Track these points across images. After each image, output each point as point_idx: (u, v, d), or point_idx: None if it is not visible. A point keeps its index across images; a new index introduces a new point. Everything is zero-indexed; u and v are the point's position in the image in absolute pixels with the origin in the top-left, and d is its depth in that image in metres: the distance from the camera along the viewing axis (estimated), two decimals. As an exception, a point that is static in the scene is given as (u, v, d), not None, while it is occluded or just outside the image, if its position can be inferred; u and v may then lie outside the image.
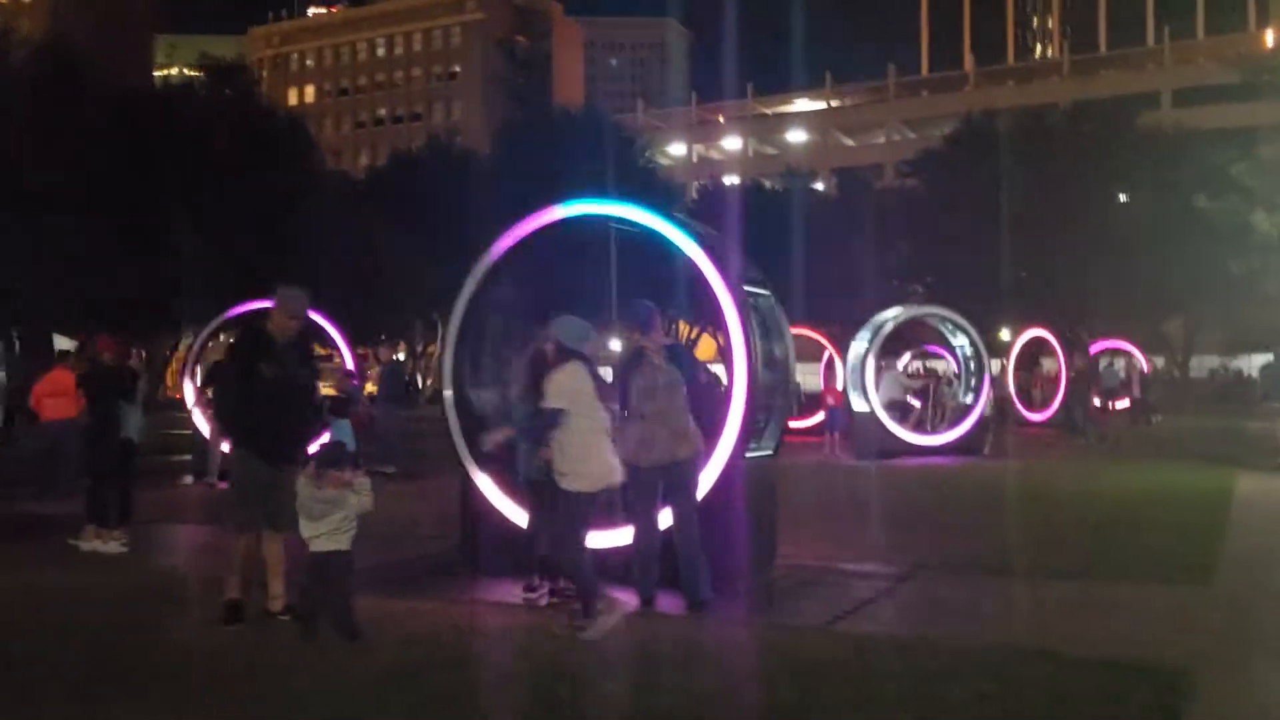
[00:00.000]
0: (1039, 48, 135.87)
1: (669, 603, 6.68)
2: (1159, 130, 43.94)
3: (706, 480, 6.98)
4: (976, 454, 17.77)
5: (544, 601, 6.87)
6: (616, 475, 6.14)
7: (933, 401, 18.91)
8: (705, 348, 51.50)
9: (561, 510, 6.12)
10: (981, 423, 18.32)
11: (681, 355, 6.92)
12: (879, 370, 18.21)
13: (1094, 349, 36.35)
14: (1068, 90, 64.34)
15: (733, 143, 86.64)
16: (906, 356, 28.39)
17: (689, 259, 7.16)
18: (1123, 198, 41.22)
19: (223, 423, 6.50)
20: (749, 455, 7.33)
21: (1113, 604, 6.88)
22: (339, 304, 24.73)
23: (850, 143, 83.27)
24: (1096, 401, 33.67)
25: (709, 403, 7.15)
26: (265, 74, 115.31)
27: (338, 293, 27.17)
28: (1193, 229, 31.00)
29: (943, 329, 19.84)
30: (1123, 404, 34.76)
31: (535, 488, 7.06)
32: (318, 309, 18.54)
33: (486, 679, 5.35)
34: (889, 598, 7.04)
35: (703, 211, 44.54)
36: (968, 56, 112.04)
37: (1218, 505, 11.34)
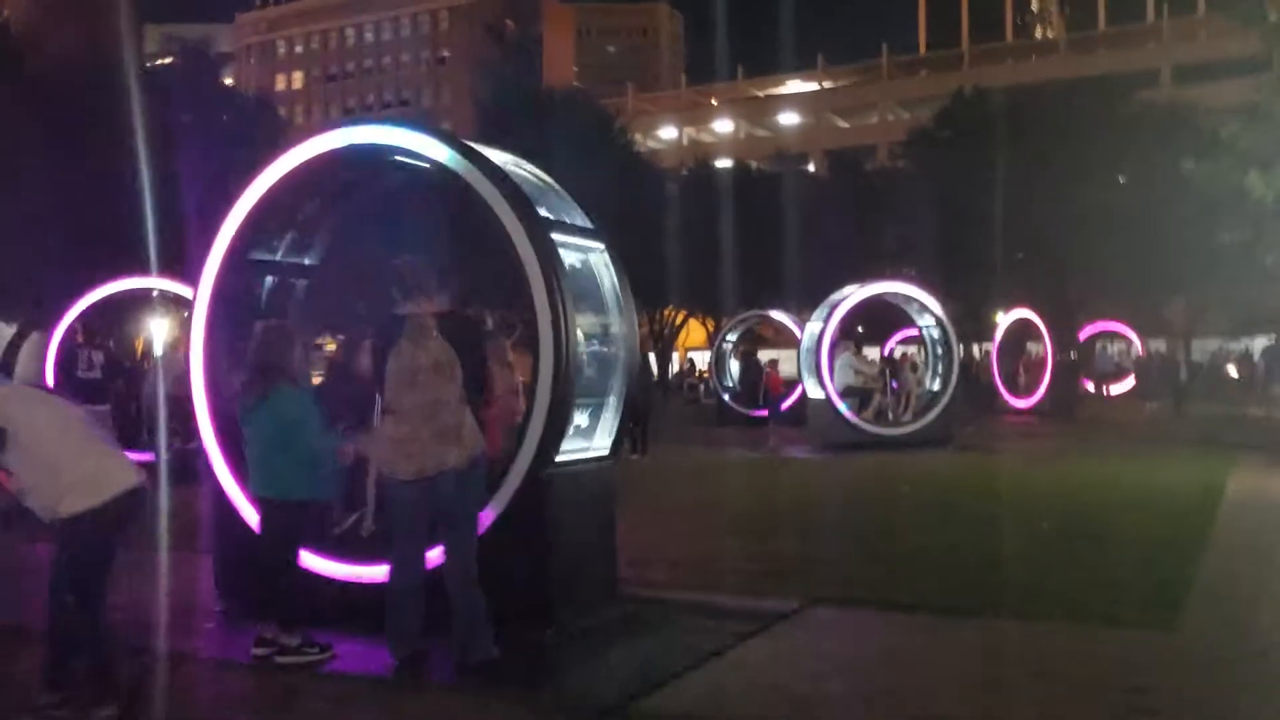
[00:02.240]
0: (1038, 28, 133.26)
1: (437, 664, 4.92)
2: (1155, 103, 42.07)
3: (499, 497, 5.23)
4: (943, 445, 15.90)
5: (281, 659, 5.10)
6: (122, 481, 4.25)
7: (886, 388, 17.03)
8: (695, 334, 50.03)
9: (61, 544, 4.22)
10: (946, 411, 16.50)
11: (466, 328, 5.12)
12: (833, 353, 16.34)
13: (1088, 332, 34.71)
14: (1065, 68, 62.25)
15: (724, 125, 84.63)
16: (892, 341, 26.62)
17: (481, 198, 5.37)
18: (1120, 177, 39.40)
19: None
20: (570, 460, 5.56)
21: (1039, 661, 5.09)
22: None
23: (843, 124, 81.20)
24: (1091, 386, 32.08)
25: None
26: (253, 61, 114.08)
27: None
28: (1189, 202, 29.15)
29: (907, 309, 17.94)
30: (1118, 388, 33.05)
31: (269, 507, 5.30)
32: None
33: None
34: (743, 652, 5.25)
35: (691, 194, 42.88)
36: (965, 37, 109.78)
37: (1201, 511, 9.50)
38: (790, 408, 19.71)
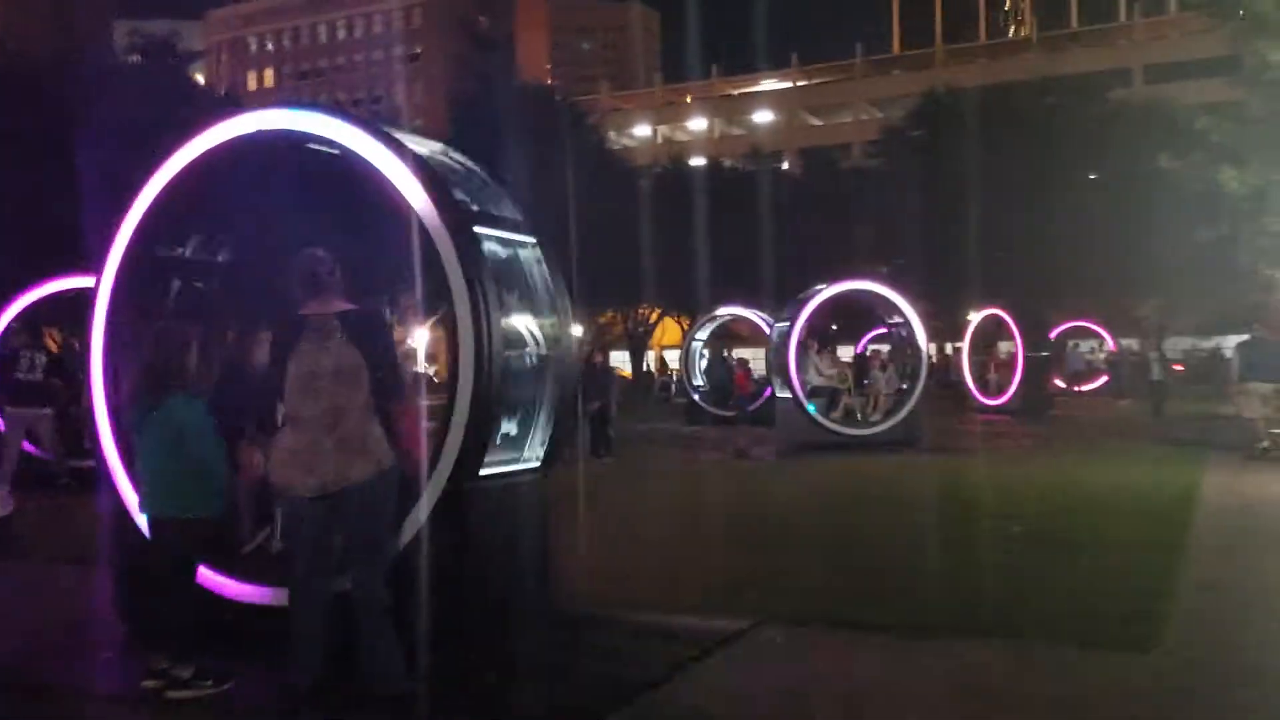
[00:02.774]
0: (1012, 29, 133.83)
1: (345, 696, 4.46)
2: (1127, 102, 42.07)
3: (415, 513, 4.78)
4: (912, 446, 15.52)
5: (172, 694, 4.64)
6: None
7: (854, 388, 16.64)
8: (671, 332, 49.53)
9: None
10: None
11: (370, 327, 4.67)
12: (800, 352, 15.96)
13: (1059, 330, 34.51)
14: (1037, 67, 62.11)
15: (698, 123, 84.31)
16: (865, 340, 26.28)
17: (399, 187, 4.92)
18: (1092, 176, 39.32)
19: None
20: (497, 473, 5.12)
21: (1011, 689, 4.70)
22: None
23: (817, 122, 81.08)
24: (1062, 384, 31.89)
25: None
26: (224, 58, 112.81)
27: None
28: (1162, 200, 29.05)
29: (876, 308, 17.55)
30: (1090, 386, 32.90)
31: (159, 525, 4.83)
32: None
33: None
34: (681, 681, 4.82)
35: (664, 192, 42.37)
36: (938, 37, 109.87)
37: (1179, 513, 9.18)
38: (759, 407, 19.35)
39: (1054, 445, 16.41)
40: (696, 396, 23.17)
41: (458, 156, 5.61)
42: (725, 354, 25.19)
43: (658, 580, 6.92)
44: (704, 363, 24.63)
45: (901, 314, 16.66)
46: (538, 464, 5.42)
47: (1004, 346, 27.28)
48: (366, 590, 4.48)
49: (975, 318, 25.60)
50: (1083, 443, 16.62)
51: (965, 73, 63.65)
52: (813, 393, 16.04)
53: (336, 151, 5.11)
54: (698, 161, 55.31)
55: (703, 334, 25.23)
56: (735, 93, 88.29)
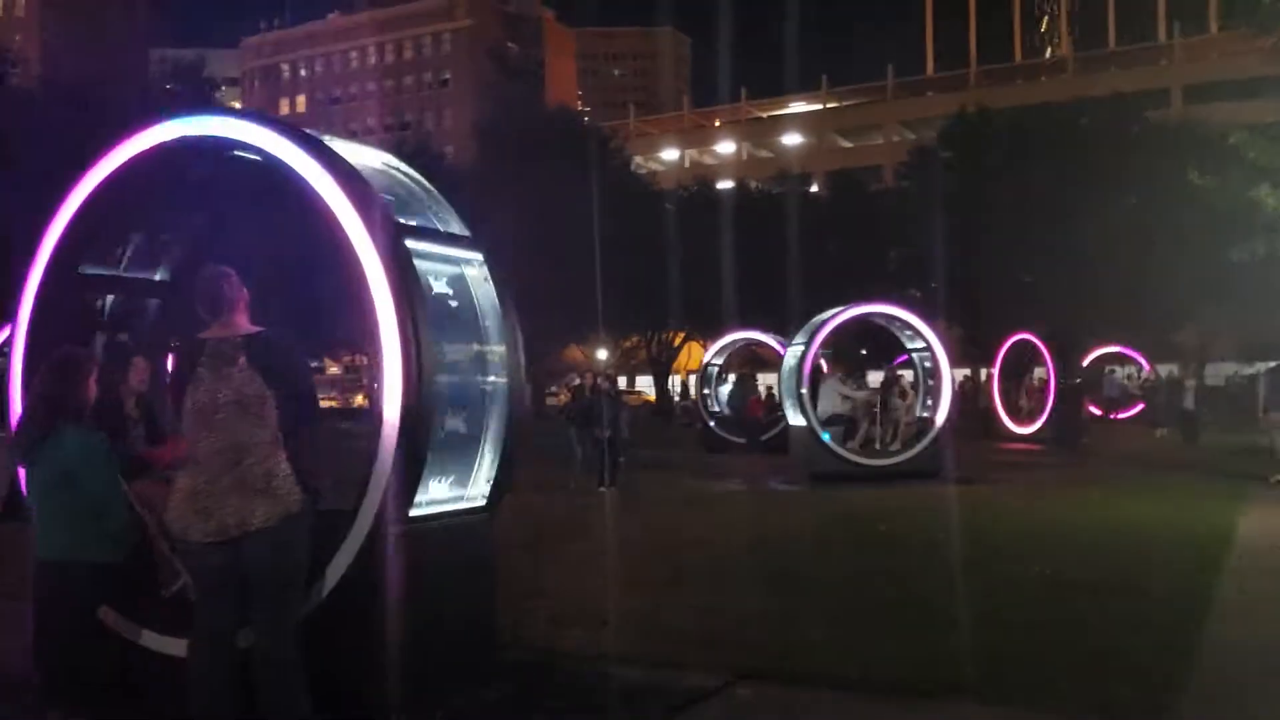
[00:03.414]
0: (1048, 49, 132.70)
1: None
2: (1165, 123, 41.12)
3: (337, 560, 4.27)
4: (934, 477, 14.80)
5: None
6: None
7: (883, 416, 15.94)
8: (697, 356, 48.90)
9: None
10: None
11: (279, 353, 4.16)
12: (817, 378, 15.36)
13: (1094, 355, 33.60)
14: (1074, 88, 61.17)
15: (726, 146, 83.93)
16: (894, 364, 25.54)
17: (324, 197, 4.44)
18: (1130, 198, 38.45)
19: None
20: (433, 513, 4.61)
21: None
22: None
23: (847, 144, 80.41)
24: (1098, 412, 30.98)
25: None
26: (258, 84, 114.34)
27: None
28: (1200, 222, 28.19)
29: (896, 331, 16.88)
30: (1126, 414, 31.92)
31: (43, 570, 4.35)
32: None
33: None
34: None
35: (692, 215, 41.92)
36: (972, 58, 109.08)
37: (1208, 556, 8.48)
38: (775, 435, 18.77)
39: (1084, 477, 15.66)
40: (713, 423, 22.58)
41: (401, 168, 5.14)
42: (746, 379, 24.58)
43: (638, 626, 6.34)
44: (724, 388, 24.07)
45: (923, 338, 16.01)
46: (483, 502, 4.89)
47: (1038, 372, 26.52)
48: (273, 649, 3.97)
49: (1006, 343, 24.83)
50: (1114, 475, 15.84)
51: (1000, 94, 62.86)
52: (830, 421, 15.40)
53: (258, 158, 4.65)
54: (726, 185, 54.92)
55: (720, 359, 24.65)
56: (764, 115, 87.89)
